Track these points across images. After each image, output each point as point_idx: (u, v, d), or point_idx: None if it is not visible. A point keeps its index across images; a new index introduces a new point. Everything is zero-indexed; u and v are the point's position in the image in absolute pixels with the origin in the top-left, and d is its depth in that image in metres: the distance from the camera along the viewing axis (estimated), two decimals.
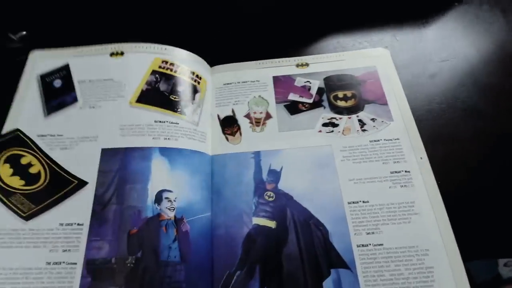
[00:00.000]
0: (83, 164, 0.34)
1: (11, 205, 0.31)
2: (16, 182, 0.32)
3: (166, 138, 0.36)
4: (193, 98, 0.40)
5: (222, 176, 0.37)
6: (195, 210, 0.33)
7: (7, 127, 0.35)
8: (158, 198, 0.33)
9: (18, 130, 0.35)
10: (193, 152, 0.36)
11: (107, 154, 0.35)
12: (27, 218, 0.31)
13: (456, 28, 0.46)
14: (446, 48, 0.44)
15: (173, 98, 0.39)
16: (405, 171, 0.34)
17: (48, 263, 0.30)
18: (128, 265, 0.31)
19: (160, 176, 0.34)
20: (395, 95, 0.40)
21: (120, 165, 0.35)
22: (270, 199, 0.35)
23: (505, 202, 0.33)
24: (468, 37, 0.45)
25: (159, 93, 0.39)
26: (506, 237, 0.32)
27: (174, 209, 0.33)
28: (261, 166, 0.37)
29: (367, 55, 0.43)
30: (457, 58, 0.43)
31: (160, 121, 0.37)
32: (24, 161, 0.33)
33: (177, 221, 0.32)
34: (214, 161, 0.38)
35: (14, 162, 0.33)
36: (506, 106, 0.39)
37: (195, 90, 0.41)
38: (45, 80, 0.39)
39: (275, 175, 0.36)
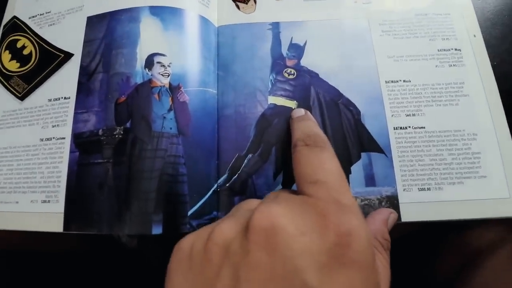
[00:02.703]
0: (69, 36, 0.31)
1: (10, 88, 0.31)
2: (13, 66, 0.32)
3: None
4: None
5: (231, 50, 0.31)
6: (196, 81, 0.28)
7: (6, 17, 0.35)
8: (149, 63, 0.28)
9: (14, 17, 0.34)
10: (192, 14, 0.30)
11: (92, 22, 0.31)
12: (22, 98, 0.31)
13: None
14: None
15: None
16: (455, 49, 0.29)
17: (41, 140, 0.29)
18: (116, 136, 0.26)
19: (151, 38, 0.29)
20: None
21: (106, 31, 0.30)
22: (291, 76, 0.30)
23: None
24: None
25: None
26: None
27: (168, 75, 0.28)
28: (281, 39, 0.31)
29: None
30: None
31: None
32: (19, 44, 0.33)
33: (173, 89, 0.28)
34: (220, 32, 0.31)
35: (12, 47, 0.33)
36: None
37: None
38: None
39: (298, 50, 0.31)
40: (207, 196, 0.26)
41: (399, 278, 0.26)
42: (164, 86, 0.27)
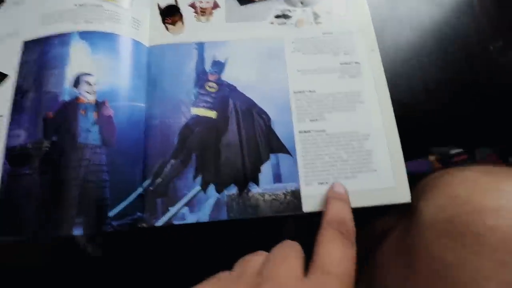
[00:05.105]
0: (6, 59, 0.35)
1: None
2: None
3: (87, 22, 0.35)
4: None
5: (160, 67, 0.36)
6: (123, 97, 0.33)
7: None
8: (77, 82, 0.33)
9: None
10: (122, 38, 0.35)
11: (28, 46, 0.35)
12: None
13: None
14: None
15: None
16: (355, 63, 0.35)
17: None
18: (44, 149, 0.30)
19: (79, 60, 0.33)
20: None
21: (40, 54, 0.34)
22: (212, 89, 0.35)
23: (449, 102, 0.35)
24: None
25: None
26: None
27: (94, 93, 0.32)
28: (204, 57, 0.36)
29: None
30: None
31: (80, 4, 0.36)
32: None
33: (99, 104, 0.32)
34: (151, 52, 0.36)
35: None
36: None
37: None
38: None
39: (219, 66, 0.36)
40: (130, 199, 0.30)
41: None
42: (90, 102, 0.32)
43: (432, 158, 0.36)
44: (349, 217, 0.25)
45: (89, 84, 0.32)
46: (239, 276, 0.21)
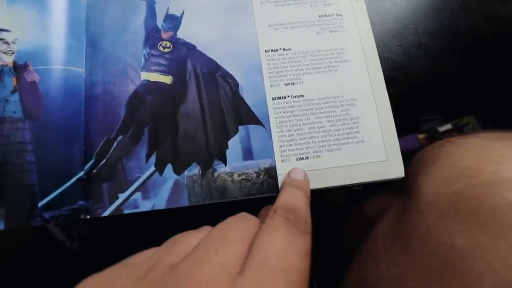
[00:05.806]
0: None
1: None
2: None
3: None
4: None
5: (101, 23, 0.29)
6: (53, 59, 0.26)
7: None
8: None
9: None
10: None
11: None
12: None
13: None
14: None
15: None
16: (337, 15, 0.30)
17: None
18: None
19: None
20: None
21: None
22: (166, 50, 0.29)
23: (445, 58, 0.31)
24: None
25: None
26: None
27: (12, 53, 0.26)
28: (155, 10, 0.30)
29: None
30: None
31: None
32: None
33: (18, 68, 0.25)
34: (90, 5, 0.30)
35: None
36: None
37: None
38: None
39: (174, 21, 0.30)
40: (67, 185, 0.24)
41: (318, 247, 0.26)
42: (7, 65, 0.25)
43: (420, 136, 0.32)
44: (301, 205, 0.20)
45: (6, 42, 0.26)
46: (151, 267, 0.15)
